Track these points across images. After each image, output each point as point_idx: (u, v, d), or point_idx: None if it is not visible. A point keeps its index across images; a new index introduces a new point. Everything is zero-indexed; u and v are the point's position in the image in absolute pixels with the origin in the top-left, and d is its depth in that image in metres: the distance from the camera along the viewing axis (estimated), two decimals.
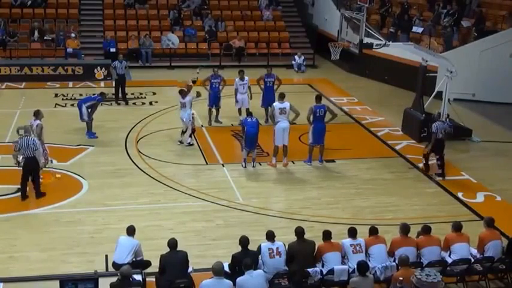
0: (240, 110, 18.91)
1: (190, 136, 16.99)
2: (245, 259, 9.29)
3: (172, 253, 9.66)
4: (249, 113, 16.36)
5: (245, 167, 15.68)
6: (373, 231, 10.37)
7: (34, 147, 13.20)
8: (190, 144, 17.01)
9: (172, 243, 9.70)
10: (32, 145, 13.17)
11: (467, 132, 18.38)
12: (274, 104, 15.98)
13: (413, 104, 18.62)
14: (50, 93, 22.18)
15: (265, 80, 19.08)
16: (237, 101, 18.87)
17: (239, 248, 9.81)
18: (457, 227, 10.59)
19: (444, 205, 14.14)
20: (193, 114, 16.95)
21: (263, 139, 16.22)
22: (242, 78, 18.71)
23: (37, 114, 14.57)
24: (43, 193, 13.67)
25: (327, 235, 10.19)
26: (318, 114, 15.69)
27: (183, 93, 16.87)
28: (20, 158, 13.42)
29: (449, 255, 10.39)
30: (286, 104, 15.71)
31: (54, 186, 14.35)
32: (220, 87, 18.74)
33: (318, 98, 16.13)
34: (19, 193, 13.73)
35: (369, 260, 9.99)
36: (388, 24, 25.78)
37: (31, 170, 13.39)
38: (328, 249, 10.04)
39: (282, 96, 15.95)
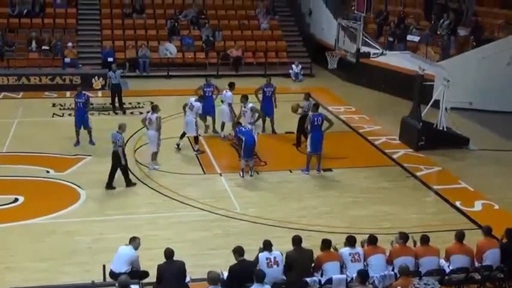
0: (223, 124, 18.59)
1: (196, 143, 17.17)
2: (257, 270, 9.27)
3: (169, 263, 9.63)
4: (239, 122, 16.30)
5: (243, 176, 15.67)
6: (372, 240, 10.34)
7: (119, 142, 14.52)
8: (200, 152, 17.12)
9: (169, 253, 9.66)
10: (118, 141, 14.49)
11: (464, 141, 18.40)
12: (250, 105, 16.81)
13: (410, 112, 18.65)
14: (47, 103, 22.17)
15: (264, 90, 19.09)
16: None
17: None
18: (460, 236, 10.57)
19: (442, 214, 14.14)
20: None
21: (261, 148, 16.24)
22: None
23: (155, 108, 16.01)
24: (113, 187, 14.78)
25: (326, 244, 10.15)
26: (315, 123, 15.73)
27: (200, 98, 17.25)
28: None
29: (448, 266, 10.38)
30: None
31: (51, 195, 14.38)
32: (214, 96, 18.76)
33: (315, 106, 16.21)
34: (17, 203, 13.78)
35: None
36: (385, 33, 25.86)
37: (113, 162, 14.67)
38: (327, 259, 10.00)
39: (246, 98, 17.08)
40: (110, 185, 14.72)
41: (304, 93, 18.20)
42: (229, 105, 18.19)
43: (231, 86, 18.61)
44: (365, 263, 10.07)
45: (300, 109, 17.64)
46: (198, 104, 16.92)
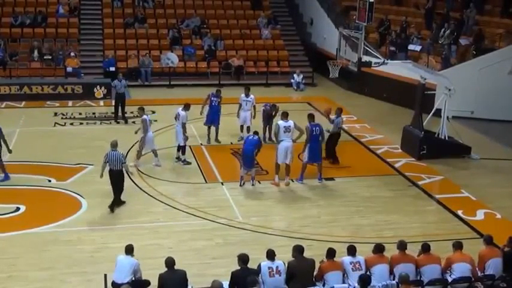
0: (242, 127, 18.98)
1: (183, 153, 17.09)
2: (250, 276, 9.24)
3: (171, 272, 9.62)
4: (254, 132, 16.38)
5: (242, 184, 15.64)
6: (378, 249, 10.27)
7: (123, 159, 13.82)
8: (187, 163, 17.05)
9: (170, 262, 9.66)
10: (121, 158, 13.77)
11: (466, 150, 18.39)
12: (278, 122, 16.05)
13: (412, 121, 18.66)
14: (49, 112, 22.20)
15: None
16: (238, 116, 18.97)
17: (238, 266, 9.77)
18: (459, 245, 10.55)
19: (444, 223, 14.12)
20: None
21: (263, 157, 16.24)
22: (247, 95, 18.83)
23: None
24: (118, 204, 14.06)
25: (331, 253, 10.10)
26: (314, 133, 15.73)
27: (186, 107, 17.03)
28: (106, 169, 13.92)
29: (450, 275, 10.33)
30: (291, 123, 15.81)
31: (53, 204, 14.38)
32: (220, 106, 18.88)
33: (311, 116, 16.20)
34: (18, 212, 13.77)
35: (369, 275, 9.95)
36: (387, 42, 25.90)
37: (115, 181, 13.89)
38: (330, 269, 9.96)
39: (286, 115, 16.07)
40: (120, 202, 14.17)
41: (336, 108, 17.79)
42: (254, 107, 18.86)
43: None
44: (368, 273, 10.02)
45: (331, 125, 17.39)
46: (183, 114, 16.79)
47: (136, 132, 17.06)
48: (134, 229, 13.20)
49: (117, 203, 14.06)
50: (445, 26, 24.24)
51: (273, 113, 18.96)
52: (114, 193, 14.01)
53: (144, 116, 16.61)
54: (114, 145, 13.92)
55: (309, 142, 15.74)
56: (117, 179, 13.91)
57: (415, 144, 18.22)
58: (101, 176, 13.92)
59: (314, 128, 15.77)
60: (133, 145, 18.33)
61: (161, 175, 16.23)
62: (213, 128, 18.92)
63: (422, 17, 26.50)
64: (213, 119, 18.78)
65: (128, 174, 14.56)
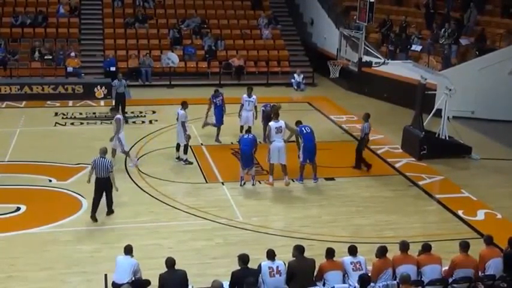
0: (242, 127, 18.97)
1: (185, 153, 17.09)
2: (248, 278, 9.24)
3: (171, 272, 9.61)
4: (247, 130, 16.40)
5: (242, 184, 15.64)
6: (382, 252, 10.17)
7: (110, 168, 13.36)
8: (189, 163, 17.05)
9: (170, 262, 9.65)
10: (108, 166, 13.33)
11: (467, 150, 18.38)
12: (270, 123, 16.05)
13: (412, 121, 18.65)
14: (50, 112, 22.20)
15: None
16: (239, 116, 18.96)
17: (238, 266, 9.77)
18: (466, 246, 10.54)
19: (444, 223, 14.11)
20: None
21: (263, 157, 16.22)
22: (249, 95, 18.85)
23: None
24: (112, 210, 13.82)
25: (330, 253, 10.11)
26: (305, 132, 15.79)
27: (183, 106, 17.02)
28: (93, 177, 13.54)
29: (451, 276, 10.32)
30: (282, 123, 15.83)
31: (53, 204, 14.37)
32: (224, 107, 18.89)
33: (299, 121, 16.29)
34: (19, 212, 13.75)
35: (375, 282, 9.93)
36: (388, 42, 25.88)
37: (103, 189, 13.50)
38: (330, 268, 9.97)
39: (276, 116, 16.12)
40: (93, 213, 13.56)
41: (364, 113, 17.55)
42: (255, 108, 18.97)
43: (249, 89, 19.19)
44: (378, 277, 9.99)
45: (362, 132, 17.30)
46: (182, 113, 16.84)
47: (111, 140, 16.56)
48: (134, 229, 13.19)
49: (110, 204, 13.73)
50: (446, 26, 24.23)
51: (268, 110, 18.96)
52: (106, 198, 13.60)
53: (118, 116, 16.62)
54: (103, 152, 13.57)
55: (303, 142, 15.78)
56: (104, 187, 13.49)
57: (415, 144, 18.21)
58: (88, 181, 13.69)
59: (304, 128, 15.88)
60: (133, 145, 18.38)
61: (161, 175, 16.22)
62: (214, 128, 18.93)
63: (423, 17, 26.49)
64: (217, 118, 18.84)
65: (114, 184, 13.66)
